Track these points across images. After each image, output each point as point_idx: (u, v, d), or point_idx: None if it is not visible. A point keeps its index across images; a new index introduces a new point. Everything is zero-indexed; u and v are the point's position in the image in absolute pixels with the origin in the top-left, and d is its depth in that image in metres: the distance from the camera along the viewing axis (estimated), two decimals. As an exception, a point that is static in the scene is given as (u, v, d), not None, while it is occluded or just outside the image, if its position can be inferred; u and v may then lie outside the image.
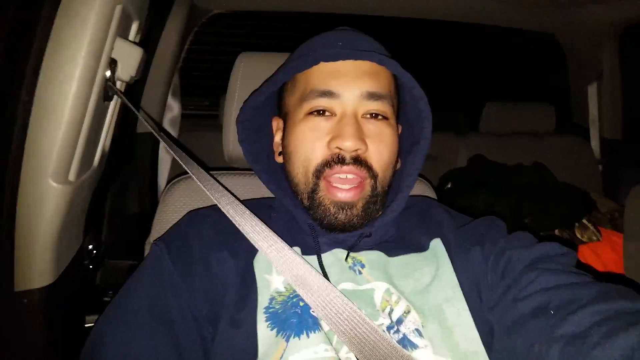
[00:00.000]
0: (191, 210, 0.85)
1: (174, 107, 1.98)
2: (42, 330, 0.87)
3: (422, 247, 0.78)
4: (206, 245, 0.75)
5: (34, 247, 0.82)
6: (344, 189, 0.73)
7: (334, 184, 0.73)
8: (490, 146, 2.24)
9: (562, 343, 0.54)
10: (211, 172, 0.99)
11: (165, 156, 1.92)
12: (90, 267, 1.11)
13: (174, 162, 1.92)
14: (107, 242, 1.32)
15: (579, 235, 1.56)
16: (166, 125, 1.97)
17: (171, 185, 1.01)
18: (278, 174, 0.87)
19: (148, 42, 1.15)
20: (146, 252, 0.97)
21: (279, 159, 0.87)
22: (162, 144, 1.85)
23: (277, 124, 0.89)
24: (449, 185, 1.92)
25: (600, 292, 0.58)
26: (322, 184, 0.74)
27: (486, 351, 0.66)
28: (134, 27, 0.94)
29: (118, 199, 1.65)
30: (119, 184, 1.65)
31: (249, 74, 1.02)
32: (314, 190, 0.75)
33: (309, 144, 0.75)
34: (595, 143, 2.31)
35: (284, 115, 0.84)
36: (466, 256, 0.75)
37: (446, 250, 0.77)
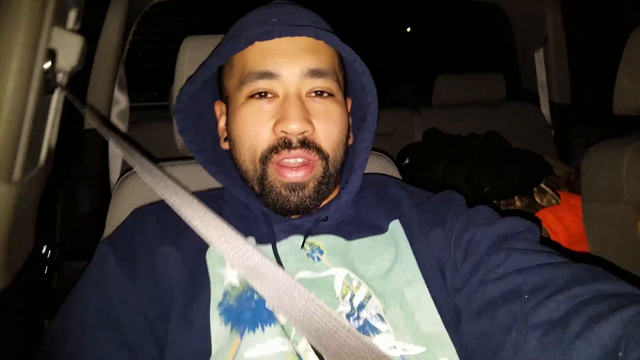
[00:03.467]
0: (136, 208, 0.81)
1: (121, 100, 1.90)
2: None
3: (381, 229, 0.77)
4: (150, 242, 0.72)
5: None
6: (293, 167, 0.71)
7: (283, 163, 0.71)
8: (444, 119, 2.27)
9: (540, 331, 0.53)
10: (161, 164, 0.95)
11: (116, 151, 1.84)
12: (46, 270, 1.05)
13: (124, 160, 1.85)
14: (61, 244, 1.27)
15: (538, 200, 1.61)
16: (114, 119, 1.89)
17: (122, 180, 0.97)
18: (226, 162, 0.84)
19: (88, 33, 1.09)
20: None
21: (225, 145, 0.83)
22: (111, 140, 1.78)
23: (220, 108, 0.85)
24: (407, 161, 1.94)
25: (574, 274, 0.57)
26: (271, 168, 0.72)
27: (450, 333, 0.66)
28: (72, 15, 0.88)
29: (69, 199, 1.57)
30: (69, 182, 1.57)
31: (195, 59, 0.98)
32: (263, 177, 0.72)
33: (252, 129, 0.72)
34: (545, 108, 2.37)
35: (226, 99, 0.81)
36: (427, 236, 0.74)
37: (405, 231, 0.76)
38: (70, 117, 1.54)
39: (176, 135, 1.01)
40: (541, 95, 2.37)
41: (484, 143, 1.90)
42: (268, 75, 0.72)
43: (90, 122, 0.84)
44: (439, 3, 2.19)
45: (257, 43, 0.73)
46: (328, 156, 0.73)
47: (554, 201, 1.60)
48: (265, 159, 0.72)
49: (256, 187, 0.75)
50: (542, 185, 1.63)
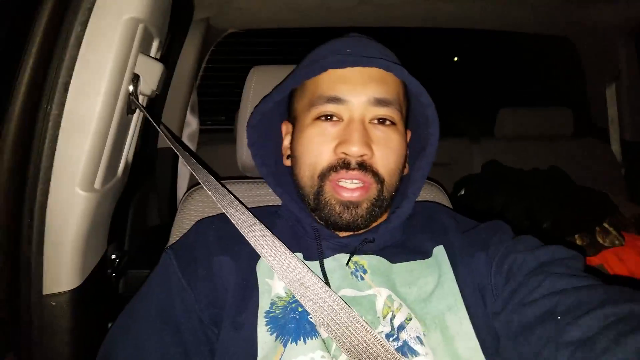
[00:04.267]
0: (199, 220, 0.88)
1: (192, 123, 2.04)
2: (68, 333, 0.91)
3: (425, 254, 0.79)
4: (210, 250, 0.78)
5: (62, 251, 0.86)
6: (349, 188, 0.75)
7: (340, 184, 0.75)
8: (505, 152, 2.23)
9: (570, 349, 0.54)
10: (224, 181, 1.03)
11: (184, 169, 1.97)
12: (113, 275, 1.14)
13: (192, 175, 1.97)
14: (129, 252, 1.36)
15: (600, 240, 1.53)
16: (185, 140, 2.03)
17: (188, 194, 1.05)
18: (285, 177, 0.89)
19: (168, 61, 1.20)
20: None
21: (287, 162, 0.89)
22: (180, 158, 1.91)
23: (286, 128, 0.91)
24: (463, 192, 1.91)
25: (607, 295, 0.57)
26: (328, 185, 0.76)
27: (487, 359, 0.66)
28: (155, 44, 0.98)
29: (139, 211, 1.70)
30: (141, 196, 1.70)
31: (261, 86, 1.06)
32: (319, 192, 0.76)
33: (316, 148, 0.77)
34: (615, 146, 2.27)
35: (293, 120, 0.86)
36: (470, 261, 0.75)
37: (449, 257, 0.77)
38: (146, 136, 1.68)
39: (238, 155, 1.08)
40: (612, 131, 2.27)
41: (546, 178, 1.85)
42: (336, 100, 0.77)
43: (165, 141, 0.93)
44: (507, 35, 2.16)
45: (330, 70, 0.79)
46: (384, 180, 0.77)
47: (617, 242, 1.52)
48: (323, 176, 0.76)
49: (311, 202, 0.79)
50: (605, 224, 1.56)
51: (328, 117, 0.78)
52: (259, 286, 0.74)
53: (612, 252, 1.51)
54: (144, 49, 0.91)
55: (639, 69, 2.13)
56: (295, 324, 0.68)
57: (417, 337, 0.68)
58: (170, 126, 1.83)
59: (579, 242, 1.55)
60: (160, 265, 0.79)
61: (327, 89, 0.78)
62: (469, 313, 0.70)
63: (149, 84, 0.93)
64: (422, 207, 0.90)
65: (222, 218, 0.78)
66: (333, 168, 0.75)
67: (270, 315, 0.70)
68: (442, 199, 1.05)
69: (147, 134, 1.69)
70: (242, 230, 0.73)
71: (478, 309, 0.71)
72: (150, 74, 0.93)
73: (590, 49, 2.24)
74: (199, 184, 1.01)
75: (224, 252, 0.77)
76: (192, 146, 2.06)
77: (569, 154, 2.23)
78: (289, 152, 0.88)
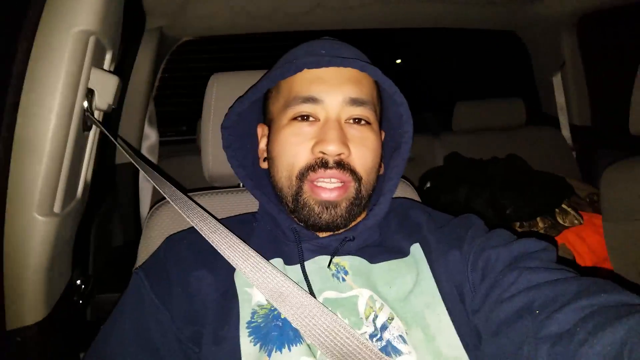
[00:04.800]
0: (168, 236, 0.85)
1: (151, 135, 1.99)
2: None
3: (403, 253, 0.79)
4: (184, 266, 0.76)
5: (24, 282, 0.81)
6: (328, 188, 0.74)
7: (318, 184, 0.75)
8: (464, 144, 2.29)
9: (549, 343, 0.55)
10: (191, 193, 1.00)
11: (146, 184, 1.91)
12: (80, 302, 1.09)
13: (155, 190, 1.91)
14: (94, 276, 1.31)
15: (560, 221, 1.59)
16: (145, 153, 1.97)
17: (153, 211, 1.02)
18: (263, 180, 0.89)
19: (122, 73, 1.16)
20: None
21: (264, 165, 0.88)
22: (141, 173, 1.84)
23: (262, 130, 0.90)
24: (428, 185, 1.95)
25: (582, 287, 0.58)
26: (306, 186, 0.75)
27: (469, 356, 0.67)
28: (108, 56, 0.95)
29: (102, 232, 1.64)
30: (102, 216, 1.64)
31: (222, 93, 1.04)
32: (297, 193, 0.76)
33: (292, 148, 0.77)
34: (566, 131, 2.37)
35: (269, 122, 0.86)
36: (445, 259, 0.76)
37: (425, 255, 0.78)
38: (103, 152, 1.62)
39: (204, 165, 1.06)
40: (561, 118, 2.37)
41: (505, 166, 1.90)
42: (312, 100, 0.77)
43: (125, 156, 0.89)
44: (457, 31, 2.22)
45: (305, 70, 0.79)
46: (361, 179, 0.77)
47: (576, 221, 1.58)
48: (302, 176, 0.76)
49: (290, 204, 0.78)
50: (564, 206, 1.62)
51: (304, 118, 0.78)
52: (239, 295, 0.72)
53: (573, 231, 1.58)
54: (97, 62, 0.88)
55: (581, 58, 2.23)
56: (278, 331, 0.67)
57: (400, 336, 0.68)
58: (128, 140, 1.77)
59: (540, 224, 1.61)
60: (131, 286, 0.76)
61: (303, 89, 0.78)
62: (448, 310, 0.71)
63: (104, 99, 0.90)
64: (396, 204, 0.91)
65: (193, 232, 0.76)
66: (311, 168, 0.75)
67: (253, 325, 0.69)
68: (411, 194, 1.06)
69: (104, 150, 1.64)
70: (214, 244, 0.71)
71: (457, 306, 0.72)
72: (105, 87, 0.89)
73: (536, 41, 2.33)
74: (164, 198, 0.98)
75: (200, 267, 0.75)
76: (153, 159, 2.00)
77: (524, 142, 2.32)
78: (265, 155, 0.87)
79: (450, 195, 1.77)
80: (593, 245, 1.51)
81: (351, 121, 0.78)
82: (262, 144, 0.89)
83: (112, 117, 1.63)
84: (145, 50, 1.72)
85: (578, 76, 2.25)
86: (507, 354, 0.60)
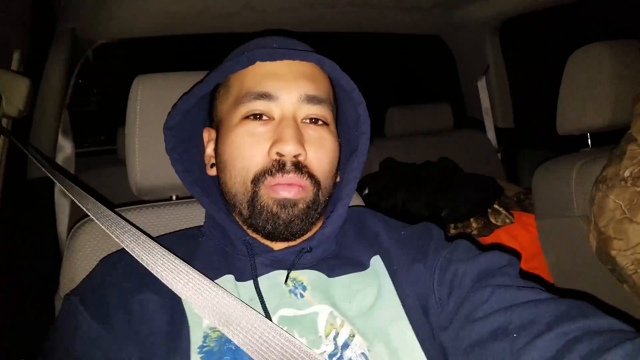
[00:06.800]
0: (104, 257, 0.76)
1: (66, 147, 1.82)
2: None
3: (362, 265, 0.75)
4: (124, 290, 0.67)
5: None
6: (286, 186, 0.68)
7: (275, 186, 0.69)
8: (397, 148, 2.31)
9: None
10: (118, 209, 0.91)
11: (63, 201, 1.75)
12: None
13: (73, 207, 1.76)
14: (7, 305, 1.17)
15: (493, 220, 1.64)
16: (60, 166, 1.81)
17: (75, 230, 0.90)
18: (210, 189, 0.81)
19: (32, 77, 1.04)
20: (57, 308, 0.86)
21: (212, 172, 0.80)
22: (57, 188, 1.67)
23: (208, 134, 0.83)
24: (367, 191, 1.95)
25: (560, 310, 0.56)
26: (263, 189, 0.69)
27: None
28: (16, 56, 0.84)
29: (16, 257, 1.47)
30: (14, 239, 1.47)
31: (148, 97, 0.95)
32: (254, 198, 0.69)
33: (247, 150, 0.70)
34: (491, 133, 2.47)
35: (217, 124, 0.79)
36: (408, 273, 0.73)
37: (386, 267, 0.74)
38: (13, 167, 1.46)
39: (131, 177, 0.96)
40: (486, 121, 2.47)
41: (439, 169, 1.95)
42: (266, 96, 0.71)
43: (38, 170, 0.79)
44: (383, 36, 2.26)
45: (257, 64, 0.72)
46: (319, 183, 0.72)
47: (507, 220, 1.64)
48: (257, 181, 0.69)
49: (245, 211, 0.71)
50: (496, 206, 1.68)
51: (257, 116, 0.71)
52: (189, 319, 0.64)
53: (504, 230, 1.64)
54: (3, 63, 0.78)
55: (504, 62, 2.34)
56: (231, 355, 0.61)
57: (363, 353, 0.64)
58: (41, 151, 1.61)
59: (474, 224, 1.65)
60: (65, 314, 0.65)
61: (255, 84, 0.71)
62: (411, 324, 0.68)
63: (13, 104, 0.80)
64: (351, 212, 0.85)
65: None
66: (268, 171, 0.68)
67: (205, 349, 0.62)
68: (356, 200, 1.03)
69: (13, 165, 1.48)
70: (149, 267, 0.63)
71: (421, 321, 0.69)
72: (15, 91, 0.79)
73: (460, 46, 2.42)
74: (86, 215, 0.88)
75: (143, 290, 0.66)
76: (70, 172, 1.84)
77: (452, 145, 2.39)
78: (213, 161, 0.80)
79: (389, 200, 1.78)
80: (524, 243, 1.57)
81: (307, 121, 0.73)
82: (210, 150, 0.81)
83: (22, 127, 1.47)
84: (58, 53, 1.57)
85: (501, 80, 2.35)
86: None
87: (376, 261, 0.75)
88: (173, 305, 0.66)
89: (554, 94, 1.35)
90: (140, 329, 0.63)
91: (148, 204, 0.97)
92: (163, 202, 0.98)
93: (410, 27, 2.20)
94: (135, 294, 0.66)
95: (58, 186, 1.63)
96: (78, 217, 0.93)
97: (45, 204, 1.71)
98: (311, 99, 0.72)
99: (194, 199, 0.87)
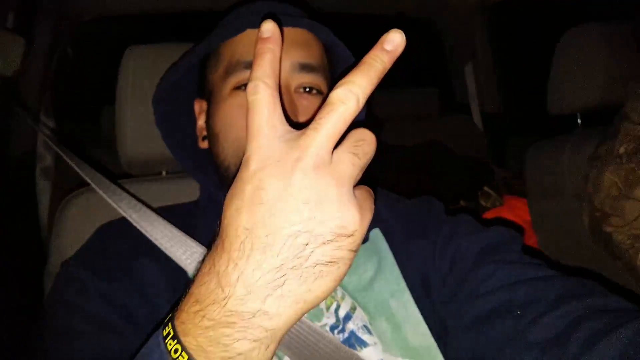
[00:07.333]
0: (101, 225, 0.73)
1: (48, 124, 1.76)
2: None
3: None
4: (128, 257, 0.65)
5: None
6: None
7: None
8: (383, 132, 2.30)
9: (537, 350, 0.51)
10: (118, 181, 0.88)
11: (45, 184, 1.69)
12: None
13: (55, 188, 1.71)
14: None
15: (483, 203, 1.66)
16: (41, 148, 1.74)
17: (65, 202, 0.88)
18: (203, 162, 0.79)
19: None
20: (46, 284, 0.83)
21: (204, 145, 0.78)
22: (38, 170, 1.62)
23: (199, 106, 0.80)
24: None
25: (565, 288, 0.56)
26: None
27: (439, 346, 0.64)
28: (11, 17, 0.80)
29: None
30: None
31: (141, 68, 0.93)
32: None
33: (238, 121, 0.67)
34: (477, 118, 2.47)
35: (208, 95, 0.76)
36: (410, 246, 0.72)
37: (386, 240, 0.73)
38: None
39: (121, 150, 0.93)
40: (472, 105, 2.47)
41: (429, 153, 1.95)
42: None
43: (17, 151, 0.75)
44: (373, 17, 2.23)
45: (247, 31, 0.70)
46: None
47: (497, 203, 1.66)
48: None
49: None
50: (486, 188, 1.69)
51: None
52: None
53: (493, 212, 1.65)
54: None
55: (490, 47, 2.33)
56: None
57: (365, 326, 0.63)
58: (22, 132, 1.55)
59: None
60: (64, 278, 0.63)
61: (246, 53, 0.69)
62: (414, 298, 0.67)
63: (9, 63, 0.76)
64: None
65: (126, 221, 0.65)
66: None
67: None
68: None
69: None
70: (150, 236, 0.61)
71: (422, 294, 0.68)
72: (11, 50, 0.76)
73: (449, 29, 2.40)
74: (66, 196, 0.86)
75: (147, 256, 0.65)
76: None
77: (440, 129, 2.37)
78: (204, 133, 0.77)
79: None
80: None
81: (301, 90, 0.70)
82: (201, 121, 0.79)
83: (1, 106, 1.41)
84: (41, 32, 1.51)
85: (488, 65, 2.35)
86: (484, 352, 0.57)
87: (376, 234, 0.74)
88: (177, 271, 0.64)
89: (542, 79, 1.35)
90: (144, 288, 0.62)
91: (138, 179, 0.95)
92: (153, 177, 0.96)
93: (400, 8, 2.17)
94: (140, 260, 0.64)
95: (39, 167, 1.58)
96: (59, 199, 0.90)
97: (24, 186, 1.66)
98: (304, 67, 0.70)
99: (184, 174, 0.85)
